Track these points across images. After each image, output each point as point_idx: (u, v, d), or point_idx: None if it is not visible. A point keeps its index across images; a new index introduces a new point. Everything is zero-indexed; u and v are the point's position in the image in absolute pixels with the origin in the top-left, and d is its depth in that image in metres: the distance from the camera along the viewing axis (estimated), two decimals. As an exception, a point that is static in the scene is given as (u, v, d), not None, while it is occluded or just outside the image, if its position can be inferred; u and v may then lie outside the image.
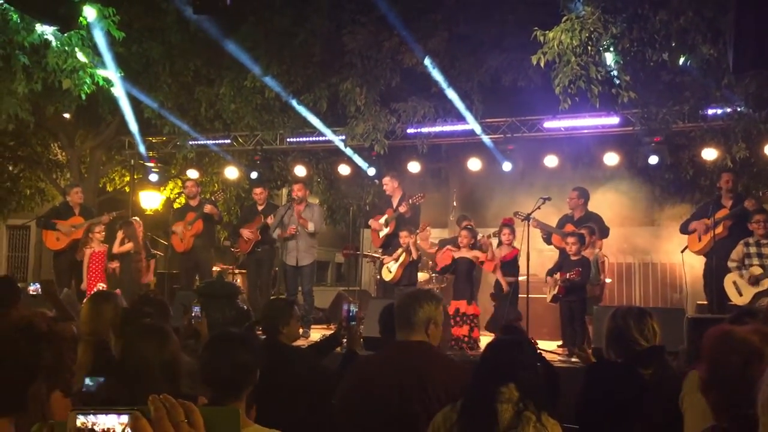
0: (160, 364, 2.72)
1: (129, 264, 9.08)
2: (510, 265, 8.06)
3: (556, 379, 3.68)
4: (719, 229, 7.56)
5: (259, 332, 4.61)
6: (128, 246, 9.02)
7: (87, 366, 3.20)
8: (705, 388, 1.87)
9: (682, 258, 8.26)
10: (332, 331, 5.26)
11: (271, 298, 8.41)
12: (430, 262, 9.62)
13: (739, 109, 8.06)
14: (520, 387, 2.68)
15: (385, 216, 9.06)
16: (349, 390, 3.28)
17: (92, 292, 4.64)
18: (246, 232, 9.50)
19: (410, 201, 8.79)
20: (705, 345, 2.00)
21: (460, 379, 3.01)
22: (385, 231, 8.99)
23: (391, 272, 8.56)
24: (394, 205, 9.03)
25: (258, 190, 9.84)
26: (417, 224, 9.17)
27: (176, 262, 10.41)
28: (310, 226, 9.04)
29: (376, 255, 10.35)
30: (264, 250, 9.51)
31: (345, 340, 4.53)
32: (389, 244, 8.99)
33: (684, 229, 8.07)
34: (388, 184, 9.19)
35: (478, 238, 8.33)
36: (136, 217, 10.06)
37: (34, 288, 7.39)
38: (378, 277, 9.97)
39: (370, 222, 9.37)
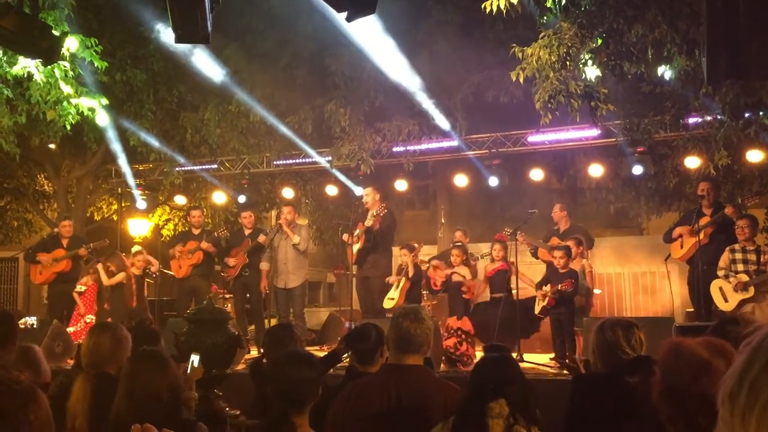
0: (166, 388, 2.83)
1: (120, 293, 9.06)
2: (497, 280, 8.07)
3: None
4: (701, 236, 7.63)
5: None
6: (120, 277, 8.99)
7: (87, 399, 3.17)
8: (658, 399, 1.91)
9: (666, 266, 8.33)
10: (332, 349, 5.22)
11: (270, 325, 8.23)
12: (423, 280, 9.59)
13: (719, 118, 8.12)
14: (510, 402, 2.71)
15: (356, 231, 8.89)
16: (343, 410, 3.28)
17: (92, 325, 4.55)
18: (231, 260, 9.45)
19: (375, 213, 8.61)
20: (658, 359, 2.04)
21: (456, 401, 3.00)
22: (357, 246, 8.84)
23: (393, 299, 8.25)
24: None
25: (246, 214, 9.82)
26: (388, 238, 8.94)
27: (167, 288, 10.37)
28: (296, 238, 8.96)
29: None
30: (251, 274, 9.42)
31: (345, 357, 4.51)
32: (364, 260, 8.88)
33: (667, 238, 8.09)
34: (370, 195, 8.95)
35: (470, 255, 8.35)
36: (139, 246, 10.04)
37: (30, 321, 7.29)
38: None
39: (344, 237, 9.18)
